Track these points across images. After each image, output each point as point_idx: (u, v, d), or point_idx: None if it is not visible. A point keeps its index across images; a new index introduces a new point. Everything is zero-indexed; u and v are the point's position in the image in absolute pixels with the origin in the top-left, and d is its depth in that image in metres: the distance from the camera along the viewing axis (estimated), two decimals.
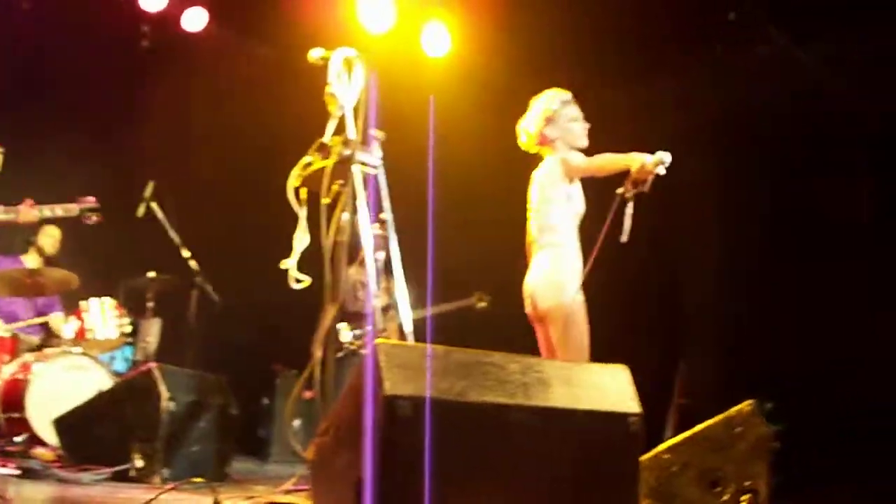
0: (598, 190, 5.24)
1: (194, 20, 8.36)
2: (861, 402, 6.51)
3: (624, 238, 4.90)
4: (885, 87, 6.90)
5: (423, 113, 5.51)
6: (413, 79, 7.03)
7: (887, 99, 6.93)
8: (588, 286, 5.14)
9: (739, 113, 7.12)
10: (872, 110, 7.02)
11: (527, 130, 5.49)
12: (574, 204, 5.33)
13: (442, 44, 7.18)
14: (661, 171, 4.97)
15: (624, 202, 4.94)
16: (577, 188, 5.35)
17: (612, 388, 3.75)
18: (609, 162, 5.16)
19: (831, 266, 6.94)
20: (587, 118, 5.48)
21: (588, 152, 5.37)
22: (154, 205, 7.44)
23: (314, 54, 4.52)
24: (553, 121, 5.41)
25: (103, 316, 7.20)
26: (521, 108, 5.66)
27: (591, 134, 5.44)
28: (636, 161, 4.98)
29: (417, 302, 6.18)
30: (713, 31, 7.23)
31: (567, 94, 5.48)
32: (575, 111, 5.45)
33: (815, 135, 7.04)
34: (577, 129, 5.43)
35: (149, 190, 7.44)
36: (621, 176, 5.04)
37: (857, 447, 6.38)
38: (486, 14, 7.12)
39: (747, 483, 4.70)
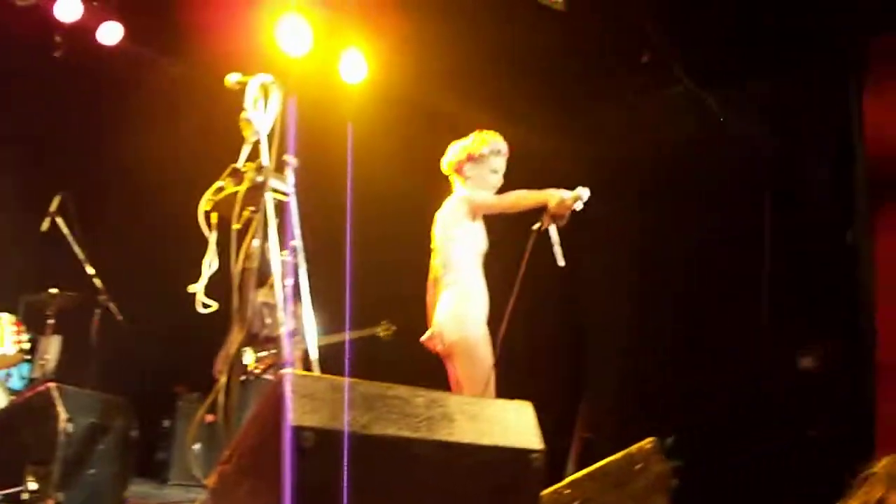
0: (505, 227, 5.33)
1: (110, 34, 8.23)
2: (756, 440, 6.64)
3: (560, 262, 5.07)
4: (786, 130, 7.09)
5: (341, 139, 5.52)
6: (331, 105, 7.03)
7: (788, 141, 7.12)
8: (494, 322, 5.22)
9: (651, 155, 7.24)
10: (775, 152, 7.19)
11: (451, 152, 5.62)
12: (476, 242, 5.44)
13: (359, 70, 7.18)
14: (579, 206, 5.11)
15: (541, 235, 5.06)
16: (480, 226, 5.47)
17: (515, 424, 3.78)
18: (523, 198, 5.27)
19: (734, 307, 7.08)
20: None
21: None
22: (59, 219, 7.30)
23: (231, 79, 4.48)
24: (476, 161, 5.54)
25: (0, 331, 7.02)
26: (438, 137, 5.75)
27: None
28: (554, 197, 5.09)
29: (324, 328, 6.16)
30: (628, 72, 7.35)
31: (503, 146, 5.60)
32: (499, 164, 5.58)
33: (724, 179, 7.17)
34: (493, 181, 5.56)
35: (54, 204, 7.30)
36: (533, 212, 5.15)
37: (752, 484, 6.50)
38: (403, 42, 7.14)
39: None
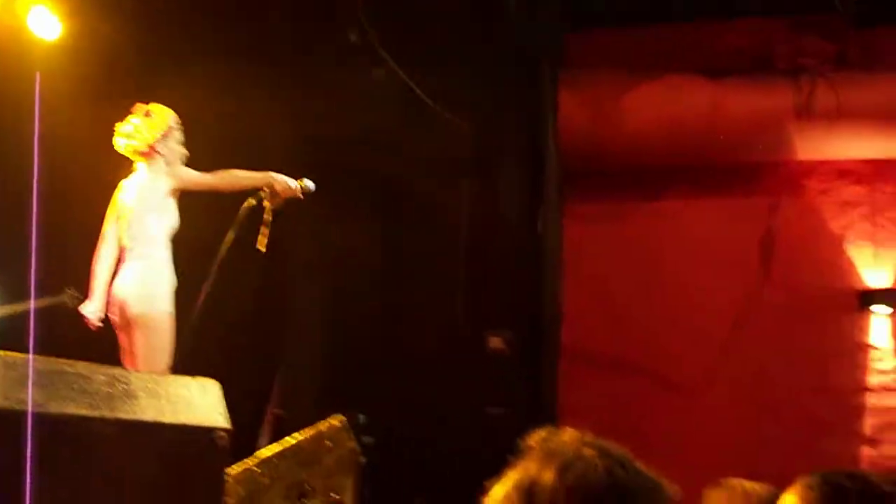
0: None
1: None
2: (443, 417, 6.84)
3: (262, 248, 5.25)
4: (483, 118, 7.31)
5: (30, 94, 5.19)
6: (19, 56, 6.58)
7: (484, 129, 7.34)
8: (182, 296, 5.22)
9: (354, 137, 7.23)
10: (472, 140, 7.38)
11: (138, 135, 5.45)
12: (173, 218, 5.46)
13: (50, 26, 6.75)
14: (300, 194, 5.40)
15: (252, 213, 5.23)
16: (175, 203, 5.47)
17: (200, 402, 3.74)
18: (239, 179, 5.46)
19: (429, 289, 7.23)
20: (193, 122, 5.67)
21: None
22: None
23: None
24: (167, 138, 5.47)
25: None
26: (132, 100, 5.56)
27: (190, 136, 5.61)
28: (280, 181, 5.33)
29: (3, 296, 5.85)
30: (335, 51, 7.31)
31: (177, 118, 5.58)
32: (181, 136, 5.58)
33: (422, 164, 7.27)
34: (180, 152, 5.54)
35: None
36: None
37: (438, 460, 6.69)
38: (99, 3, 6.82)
39: (335, 496, 4.81)
